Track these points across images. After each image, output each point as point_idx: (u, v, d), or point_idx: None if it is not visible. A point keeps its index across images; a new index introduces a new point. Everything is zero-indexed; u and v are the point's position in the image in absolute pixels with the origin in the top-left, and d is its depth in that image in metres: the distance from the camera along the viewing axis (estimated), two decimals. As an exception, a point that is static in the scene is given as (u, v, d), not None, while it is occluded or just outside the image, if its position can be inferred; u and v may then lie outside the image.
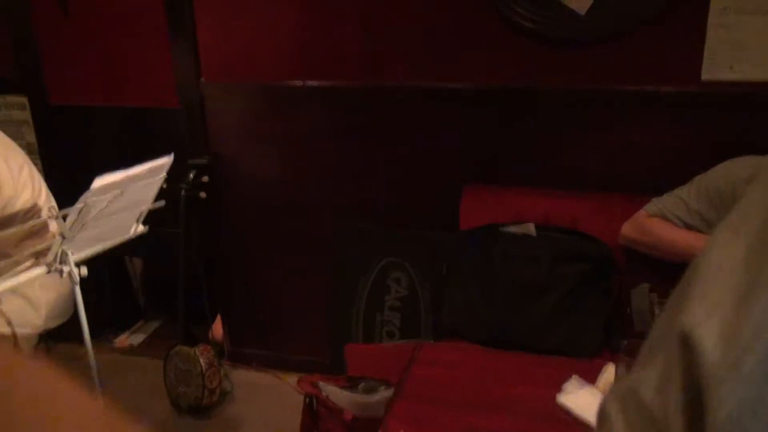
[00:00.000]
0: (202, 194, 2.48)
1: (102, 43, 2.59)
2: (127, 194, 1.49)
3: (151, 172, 1.55)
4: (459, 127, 2.27)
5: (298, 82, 2.38)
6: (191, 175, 2.47)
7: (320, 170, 2.47)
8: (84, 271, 1.58)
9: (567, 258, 1.98)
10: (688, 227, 1.81)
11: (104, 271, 3.00)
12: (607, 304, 1.98)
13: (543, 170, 2.22)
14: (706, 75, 1.99)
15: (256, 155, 2.53)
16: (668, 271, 1.85)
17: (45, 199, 2.04)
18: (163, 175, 1.62)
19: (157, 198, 1.79)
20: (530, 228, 2.07)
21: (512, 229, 2.09)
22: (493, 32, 2.13)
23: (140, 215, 1.72)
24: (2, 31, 2.67)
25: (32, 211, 1.95)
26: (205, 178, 2.49)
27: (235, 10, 2.38)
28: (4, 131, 2.06)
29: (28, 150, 2.73)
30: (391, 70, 2.27)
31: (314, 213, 2.52)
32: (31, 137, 2.78)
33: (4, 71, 2.74)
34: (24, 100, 2.75)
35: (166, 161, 1.60)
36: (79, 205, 1.38)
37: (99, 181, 1.39)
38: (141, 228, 1.77)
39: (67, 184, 1.99)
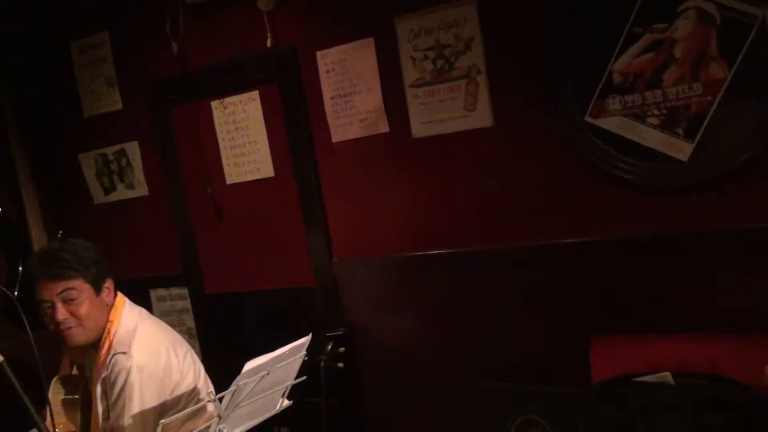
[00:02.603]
0: (340, 364, 2.64)
1: (248, 238, 3.00)
2: (273, 374, 1.66)
3: (293, 351, 1.73)
4: (579, 281, 2.32)
5: (420, 252, 2.57)
6: (329, 347, 2.65)
7: (447, 333, 2.58)
8: (237, 447, 1.73)
9: (712, 406, 1.88)
10: (841, 365, 1.70)
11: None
12: (763, 455, 1.83)
13: (671, 315, 2.19)
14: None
15: (387, 323, 2.70)
16: (830, 415, 1.72)
17: (203, 381, 2.28)
18: (303, 353, 1.79)
19: (300, 373, 1.96)
20: (667, 377, 2.01)
21: (648, 379, 2.04)
22: (598, 188, 2.24)
23: (285, 390, 1.88)
24: (171, 238, 3.18)
25: (193, 394, 2.19)
26: (342, 349, 2.66)
27: (358, 194, 2.69)
28: (167, 319, 2.39)
29: (188, 335, 3.10)
30: (507, 233, 2.41)
31: (445, 375, 2.59)
32: (191, 323, 3.16)
33: (171, 268, 3.20)
34: (185, 291, 3.18)
35: (305, 340, 1.78)
36: (232, 387, 1.57)
37: (249, 365, 1.58)
38: (286, 402, 1.93)
39: (221, 363, 2.23)
